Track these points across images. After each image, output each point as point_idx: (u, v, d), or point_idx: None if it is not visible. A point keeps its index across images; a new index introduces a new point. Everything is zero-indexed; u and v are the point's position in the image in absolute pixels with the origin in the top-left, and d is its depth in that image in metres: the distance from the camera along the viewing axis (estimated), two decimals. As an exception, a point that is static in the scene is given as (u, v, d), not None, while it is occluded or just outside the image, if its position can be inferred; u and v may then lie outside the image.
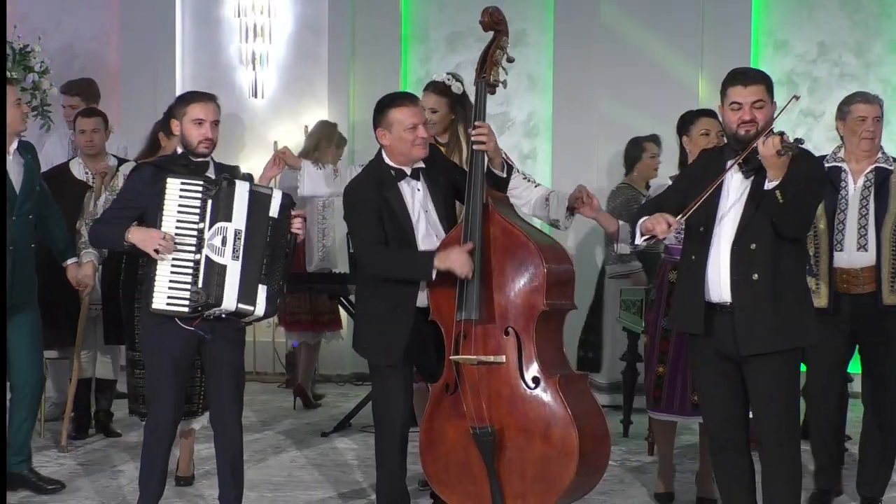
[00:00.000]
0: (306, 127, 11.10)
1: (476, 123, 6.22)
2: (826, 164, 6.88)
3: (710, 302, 5.71)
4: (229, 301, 6.03)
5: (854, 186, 6.86)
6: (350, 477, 7.70)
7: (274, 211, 6.13)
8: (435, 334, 6.20)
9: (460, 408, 6.11)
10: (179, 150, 6.24)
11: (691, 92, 10.36)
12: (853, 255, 6.82)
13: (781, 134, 5.48)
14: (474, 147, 6.17)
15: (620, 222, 6.91)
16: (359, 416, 9.09)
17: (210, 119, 6.16)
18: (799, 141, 5.41)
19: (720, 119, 5.89)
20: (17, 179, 7.02)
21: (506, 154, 6.46)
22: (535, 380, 6.00)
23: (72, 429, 8.35)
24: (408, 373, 6.24)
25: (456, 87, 7.03)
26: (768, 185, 5.50)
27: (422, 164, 6.29)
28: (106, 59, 11.65)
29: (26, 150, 7.15)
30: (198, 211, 6.03)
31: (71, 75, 10.40)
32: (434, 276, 6.04)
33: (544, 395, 5.99)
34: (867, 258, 6.80)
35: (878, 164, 6.86)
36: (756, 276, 5.60)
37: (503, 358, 6.06)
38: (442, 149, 7.36)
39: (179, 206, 6.03)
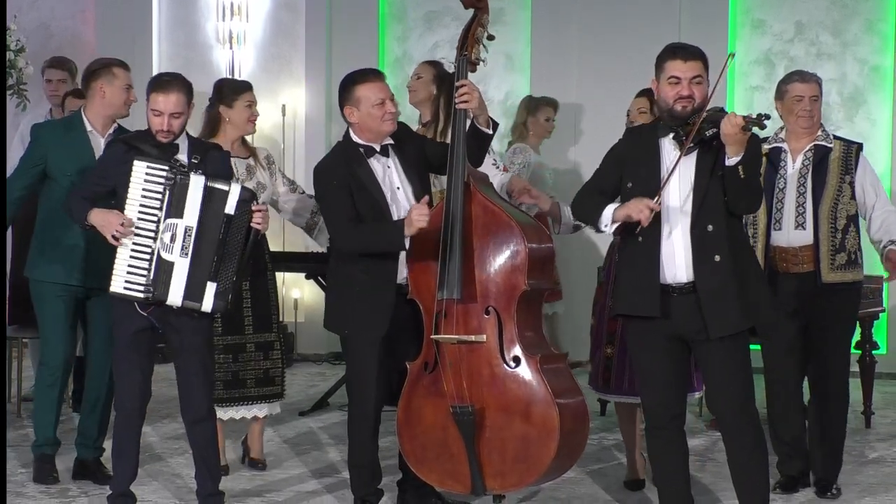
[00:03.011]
0: (284, 107, 11.10)
1: (458, 83, 6.16)
2: (768, 145, 6.93)
3: (664, 283, 5.67)
4: (175, 297, 6.00)
5: (793, 166, 6.88)
6: (327, 456, 7.72)
7: (230, 207, 6.04)
8: (413, 313, 6.20)
9: (439, 386, 6.11)
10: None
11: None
12: (791, 233, 6.83)
13: (724, 114, 5.48)
14: (458, 106, 6.14)
15: (560, 203, 6.90)
16: (336, 395, 9.10)
17: (168, 111, 6.06)
18: (764, 116, 5.39)
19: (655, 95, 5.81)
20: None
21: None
22: (516, 359, 6.01)
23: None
24: (384, 348, 6.22)
25: (447, 66, 7.25)
26: (730, 162, 5.49)
27: (390, 141, 6.28)
28: (82, 37, 11.61)
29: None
30: (159, 198, 5.99)
31: (47, 54, 10.37)
32: (408, 244, 6.03)
33: (525, 374, 5.99)
34: (805, 237, 6.81)
35: (817, 143, 6.88)
36: (717, 257, 5.59)
37: (483, 337, 6.07)
38: (422, 128, 7.43)
39: (143, 190, 5.99)
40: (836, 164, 6.84)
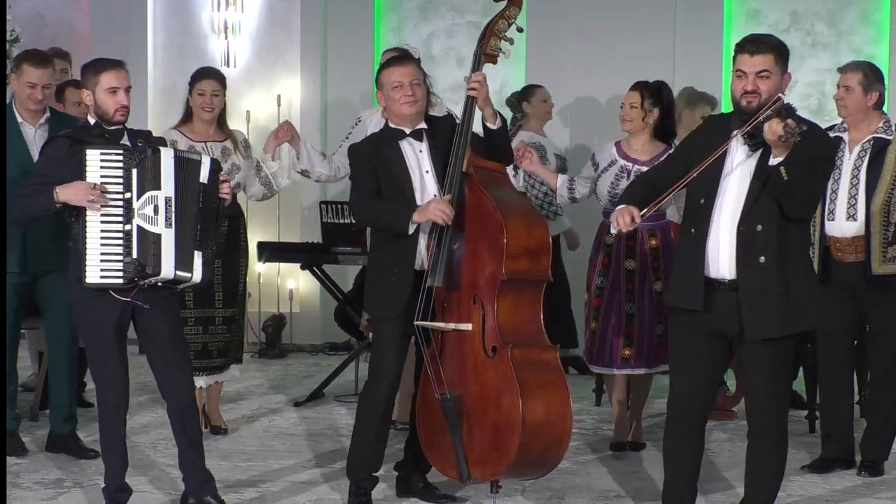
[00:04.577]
0: (279, 97, 11.08)
1: (472, 75, 6.35)
2: (833, 133, 6.94)
3: (708, 277, 5.59)
4: (167, 269, 5.98)
5: (849, 157, 6.91)
6: (323, 446, 7.71)
7: (204, 177, 6.09)
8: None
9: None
10: (92, 120, 6.15)
11: (665, 62, 10.35)
12: (843, 224, 6.89)
13: (789, 113, 5.38)
14: (468, 93, 6.29)
15: (560, 176, 7.53)
16: (331, 385, 9.09)
17: (123, 86, 6.09)
18: (801, 129, 5.24)
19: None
20: (36, 152, 6.99)
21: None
22: (494, 349, 6.02)
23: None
24: (405, 330, 6.25)
25: (414, 52, 7.33)
26: (773, 161, 5.38)
27: (424, 126, 6.34)
28: (77, 27, 11.59)
29: (60, 122, 7.18)
30: (121, 181, 5.95)
31: (41, 44, 10.30)
32: (411, 230, 6.11)
33: (499, 364, 6.00)
34: (856, 227, 6.86)
35: (876, 135, 6.91)
36: (763, 258, 5.48)
37: (469, 326, 6.10)
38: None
39: (102, 177, 5.94)
40: (893, 157, 6.86)
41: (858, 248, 6.88)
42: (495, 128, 6.37)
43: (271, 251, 9.46)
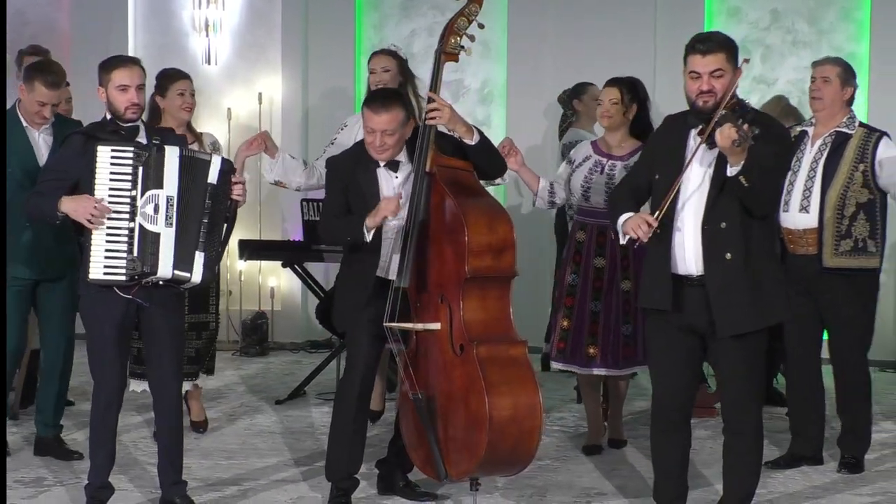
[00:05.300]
0: (260, 94, 11.07)
1: (428, 95, 6.28)
2: (800, 127, 7.06)
3: (677, 274, 5.64)
4: (165, 268, 5.98)
5: (810, 149, 6.94)
6: (304, 444, 7.71)
7: (213, 177, 6.07)
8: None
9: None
10: (108, 117, 6.16)
11: (646, 60, 10.36)
12: (796, 216, 6.92)
13: (743, 111, 5.41)
14: (427, 122, 6.21)
15: (542, 179, 7.41)
16: (313, 384, 9.09)
17: (135, 84, 6.08)
18: (753, 133, 5.24)
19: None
20: (42, 155, 7.04)
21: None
22: (461, 347, 6.03)
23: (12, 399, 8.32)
24: (377, 332, 6.26)
25: (401, 52, 7.42)
26: (731, 172, 5.40)
27: (401, 159, 6.30)
28: (57, 25, 11.56)
29: (63, 125, 7.12)
30: (130, 178, 5.96)
31: (22, 42, 10.30)
32: (368, 237, 6.14)
33: (465, 362, 6.00)
34: (809, 220, 6.89)
35: (838, 129, 6.94)
36: (729, 254, 5.52)
37: (438, 325, 6.13)
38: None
39: (111, 173, 5.95)
40: (852, 151, 6.89)
41: (810, 241, 6.90)
42: (474, 143, 6.28)
43: (252, 249, 9.45)
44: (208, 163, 6.10)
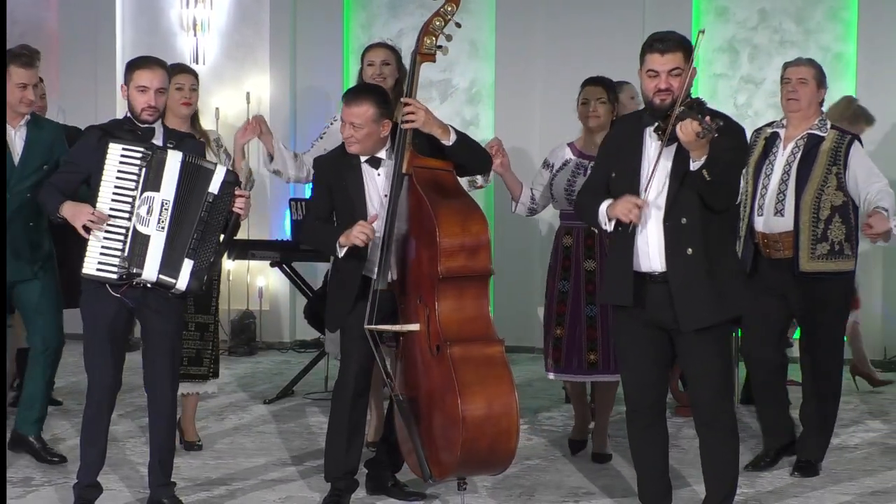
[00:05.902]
0: (248, 94, 11.07)
1: (403, 101, 6.31)
2: (771, 129, 7.03)
3: (640, 272, 5.68)
4: (150, 272, 5.99)
5: (783, 153, 6.92)
6: (293, 443, 7.71)
7: (214, 187, 6.06)
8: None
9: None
10: (127, 115, 6.19)
11: (634, 59, 10.32)
12: (771, 220, 6.89)
13: (701, 108, 5.44)
14: (403, 126, 6.23)
15: (525, 188, 7.28)
16: (301, 383, 9.09)
17: (155, 87, 6.09)
18: (716, 125, 5.29)
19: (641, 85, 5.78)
20: (17, 152, 7.02)
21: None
22: (438, 347, 6.03)
23: (13, 397, 8.30)
24: (366, 335, 6.26)
25: (397, 47, 7.38)
26: (693, 166, 5.45)
27: (383, 156, 6.32)
28: (45, 23, 11.54)
29: (37, 125, 7.13)
30: (135, 178, 5.98)
31: (10, 41, 10.25)
32: (340, 252, 6.19)
33: (441, 362, 6.01)
34: (784, 224, 6.87)
35: (811, 131, 6.91)
36: (690, 250, 5.58)
37: (416, 326, 6.15)
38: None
39: (118, 172, 5.98)
40: (825, 154, 6.86)
41: (786, 245, 6.87)
42: (451, 143, 6.28)
43: (241, 248, 9.45)
44: (211, 172, 6.09)
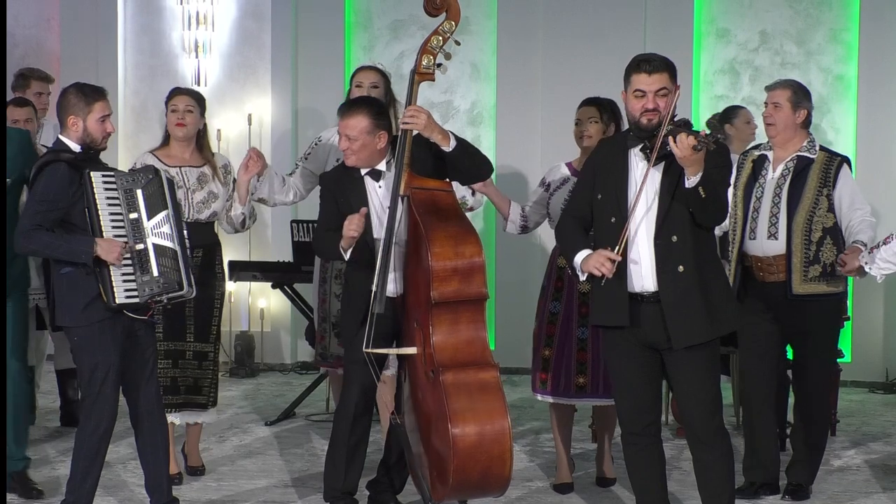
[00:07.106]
0: (250, 116, 11.08)
1: (406, 106, 6.31)
2: (758, 152, 7.04)
3: (632, 292, 5.69)
4: (187, 285, 6.18)
5: (772, 175, 6.92)
6: (294, 465, 7.70)
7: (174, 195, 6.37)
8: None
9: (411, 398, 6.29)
10: (76, 146, 6.20)
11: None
12: (765, 243, 6.88)
13: (687, 127, 5.47)
14: (403, 127, 6.24)
15: (514, 204, 7.23)
16: (303, 405, 9.08)
17: (108, 113, 6.29)
18: (713, 137, 5.35)
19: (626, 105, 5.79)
20: None
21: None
22: (434, 371, 6.02)
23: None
24: (363, 361, 6.28)
25: (386, 71, 7.40)
26: (689, 183, 5.47)
27: (382, 168, 6.35)
28: (47, 45, 11.56)
29: (9, 139, 7.01)
30: (118, 202, 6.10)
31: (12, 63, 10.31)
32: (346, 255, 6.25)
33: (435, 387, 6.00)
34: (778, 247, 6.85)
35: (800, 153, 6.91)
36: (681, 267, 5.60)
37: (413, 350, 6.16)
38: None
39: (107, 198, 6.10)
40: (815, 176, 6.85)
41: (780, 268, 6.85)
42: (450, 150, 6.27)
43: (242, 269, 9.47)
44: (173, 181, 6.46)
